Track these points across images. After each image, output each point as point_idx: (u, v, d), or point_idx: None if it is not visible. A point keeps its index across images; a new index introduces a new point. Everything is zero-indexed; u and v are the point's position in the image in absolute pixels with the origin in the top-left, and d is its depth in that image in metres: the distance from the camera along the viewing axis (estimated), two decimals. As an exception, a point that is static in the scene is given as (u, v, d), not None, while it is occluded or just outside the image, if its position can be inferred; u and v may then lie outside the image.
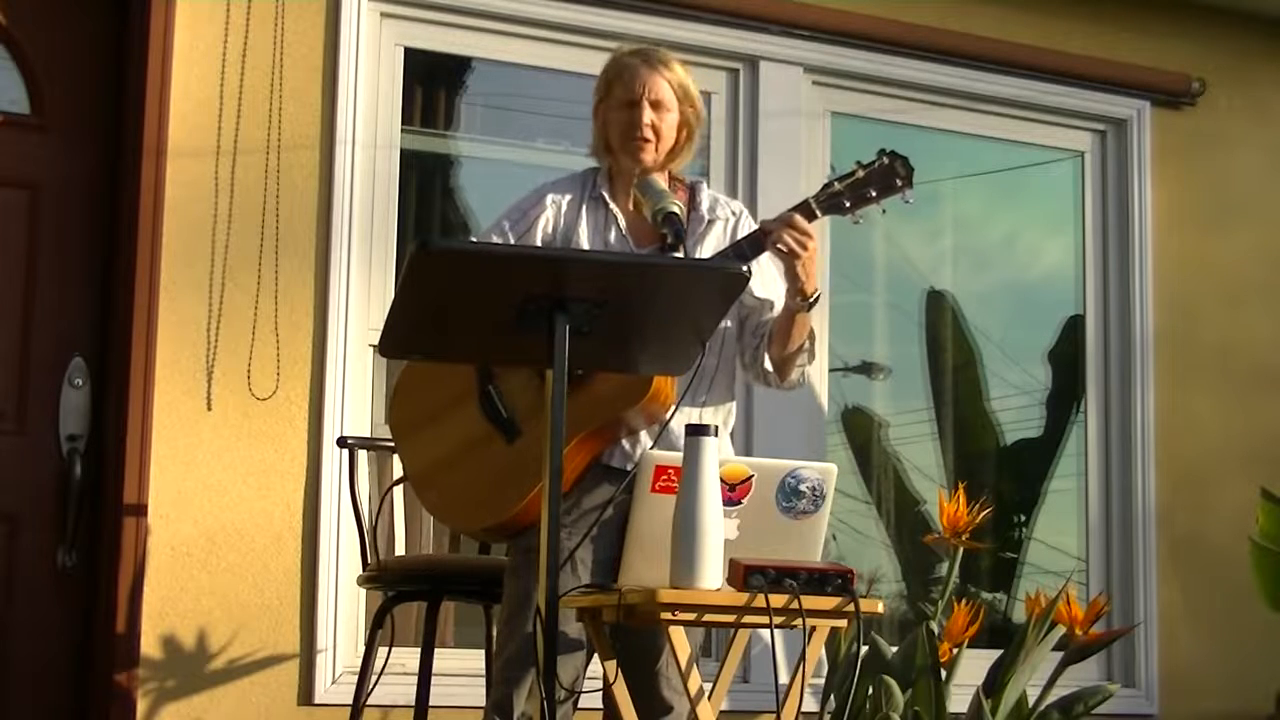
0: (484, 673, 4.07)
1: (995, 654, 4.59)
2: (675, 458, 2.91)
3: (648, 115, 3.45)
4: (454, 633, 4.87)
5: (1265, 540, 5.05)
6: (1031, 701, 4.51)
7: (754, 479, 2.98)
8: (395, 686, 4.27)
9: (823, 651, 3.93)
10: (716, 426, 3.06)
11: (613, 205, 3.50)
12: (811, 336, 3.43)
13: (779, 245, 3.28)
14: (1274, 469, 5.44)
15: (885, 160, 3.41)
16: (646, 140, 3.45)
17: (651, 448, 3.31)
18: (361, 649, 4.23)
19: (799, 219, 3.30)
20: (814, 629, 2.90)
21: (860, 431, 5.68)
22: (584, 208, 3.50)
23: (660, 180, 3.43)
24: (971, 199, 5.93)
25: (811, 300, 3.34)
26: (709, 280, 2.94)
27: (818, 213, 3.36)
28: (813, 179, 5.14)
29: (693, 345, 2.99)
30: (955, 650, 4.41)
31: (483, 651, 4.13)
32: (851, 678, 3.39)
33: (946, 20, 5.41)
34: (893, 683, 4.27)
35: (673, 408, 3.27)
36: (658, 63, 3.48)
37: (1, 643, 4.37)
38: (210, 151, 4.51)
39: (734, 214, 3.57)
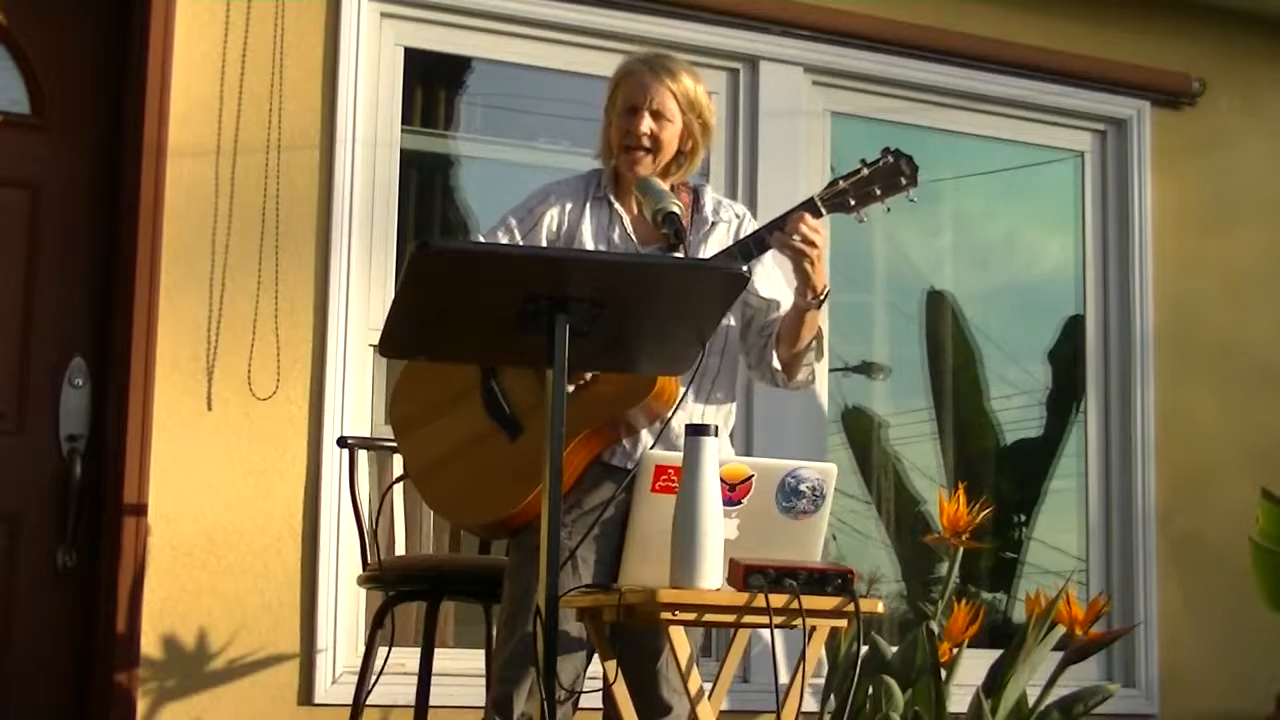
0: (484, 673, 4.07)
1: (995, 654, 4.59)
2: (675, 458, 2.91)
3: (646, 124, 3.44)
4: (454, 633, 4.87)
5: (1265, 540, 5.06)
6: (1031, 701, 4.51)
7: (754, 479, 2.98)
8: (395, 686, 4.27)
9: (823, 651, 3.93)
10: (716, 426, 3.06)
11: (617, 205, 3.50)
12: (819, 335, 3.44)
13: (788, 247, 3.29)
14: (1274, 469, 5.45)
15: (890, 158, 3.41)
16: (644, 149, 3.44)
17: (652, 447, 3.31)
18: (361, 649, 4.23)
19: (807, 218, 3.30)
20: (814, 629, 2.90)
21: (860, 431, 5.68)
22: (588, 208, 3.50)
23: (661, 181, 3.43)
24: (972, 199, 5.93)
25: (822, 297, 3.34)
26: (709, 280, 2.94)
27: (823, 210, 3.36)
28: (813, 179, 5.14)
29: (693, 345, 2.99)
30: (955, 650, 4.41)
31: (483, 651, 4.13)
32: (851, 678, 3.38)
33: (946, 20, 5.41)
34: (893, 683, 4.28)
35: (674, 406, 3.28)
36: (663, 72, 3.47)
37: (1, 643, 4.37)
38: (210, 151, 4.51)
39: (738, 216, 3.57)
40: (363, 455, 4.15)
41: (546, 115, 5.34)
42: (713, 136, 3.56)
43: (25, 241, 4.50)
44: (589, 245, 3.44)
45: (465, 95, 5.32)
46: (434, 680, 3.87)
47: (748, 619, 2.84)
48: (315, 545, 4.49)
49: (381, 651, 3.88)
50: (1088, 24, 5.61)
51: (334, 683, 4.46)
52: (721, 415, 3.47)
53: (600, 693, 3.05)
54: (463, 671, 4.38)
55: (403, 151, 4.82)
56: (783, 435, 4.98)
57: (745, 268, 3.00)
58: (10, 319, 4.46)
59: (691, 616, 2.82)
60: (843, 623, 2.93)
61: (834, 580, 2.85)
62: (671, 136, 3.47)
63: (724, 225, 3.53)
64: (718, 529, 2.82)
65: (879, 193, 3.40)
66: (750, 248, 3.35)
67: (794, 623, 2.81)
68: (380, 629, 3.89)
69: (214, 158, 4.51)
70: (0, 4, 4.51)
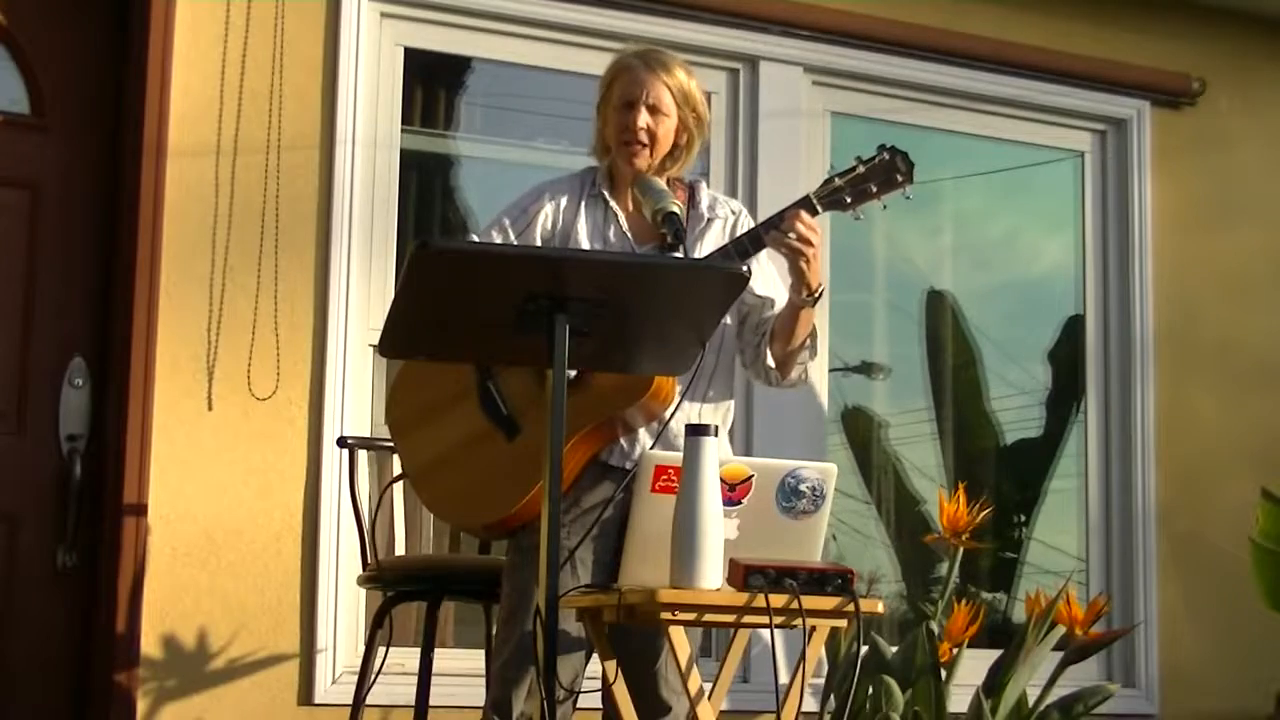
0: (484, 673, 4.06)
1: (995, 654, 4.59)
2: (675, 458, 2.91)
3: (643, 119, 3.44)
4: (454, 633, 4.87)
5: (1265, 540, 5.05)
6: (1031, 701, 4.51)
7: (754, 479, 2.98)
8: (395, 686, 4.27)
9: (823, 651, 3.94)
10: (716, 426, 3.06)
11: (612, 203, 3.50)
12: (813, 333, 3.44)
13: (784, 245, 3.28)
14: (1274, 469, 5.44)
15: (885, 156, 3.40)
16: (640, 144, 3.44)
17: (651, 447, 3.31)
18: (361, 649, 4.23)
19: (803, 215, 3.29)
20: (814, 629, 2.90)
21: (860, 431, 5.68)
22: (583, 205, 3.50)
23: (660, 180, 3.43)
24: (972, 198, 5.93)
25: (817, 295, 3.34)
26: (709, 280, 2.94)
27: (819, 208, 3.36)
28: (812, 179, 5.13)
29: (693, 345, 2.99)
30: (955, 650, 4.41)
31: (483, 651, 4.12)
32: (851, 678, 3.39)
33: (946, 20, 5.41)
34: (893, 683, 4.28)
35: (673, 406, 3.28)
36: (658, 66, 3.47)
37: (1, 643, 4.37)
38: (210, 151, 4.51)
39: (733, 212, 3.57)
40: (363, 455, 4.15)
41: (546, 115, 5.33)
42: (708, 131, 3.56)
43: (25, 241, 4.50)
44: (584, 243, 3.44)
45: (465, 95, 5.32)
46: (434, 680, 3.87)
47: (748, 619, 2.84)
48: (315, 545, 4.49)
49: (381, 651, 3.88)
50: (1088, 24, 5.61)
51: (334, 683, 4.46)
52: (720, 413, 3.47)
53: (600, 693, 3.05)
54: (463, 671, 4.38)
55: (403, 151, 4.82)
56: (783, 435, 4.98)
57: (745, 268, 2.99)
58: (10, 319, 4.46)
59: (691, 616, 2.82)
60: (843, 623, 2.93)
61: (834, 580, 2.86)
62: (667, 131, 3.47)
63: (720, 222, 3.53)
64: (718, 529, 2.82)
65: (875, 190, 3.39)
66: (746, 245, 3.34)
67: (794, 623, 2.81)
68: (380, 629, 3.89)
69: (214, 158, 4.52)
70: (0, 4, 4.51)
